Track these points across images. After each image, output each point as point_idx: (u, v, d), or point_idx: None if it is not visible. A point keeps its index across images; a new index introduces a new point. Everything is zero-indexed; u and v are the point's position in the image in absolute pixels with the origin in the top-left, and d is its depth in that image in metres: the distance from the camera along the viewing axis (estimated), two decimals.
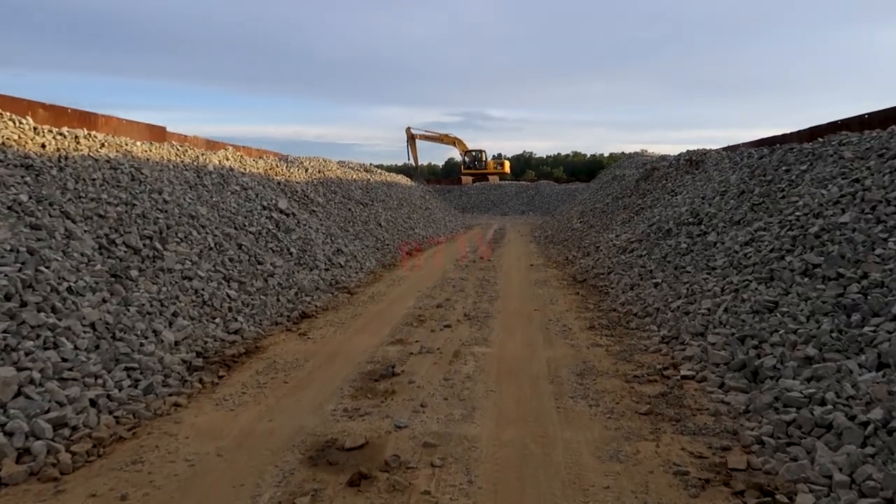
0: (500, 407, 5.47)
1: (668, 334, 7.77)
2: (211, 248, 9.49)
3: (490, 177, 52.23)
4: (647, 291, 9.82)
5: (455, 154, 57.85)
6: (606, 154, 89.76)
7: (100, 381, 5.39)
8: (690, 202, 13.19)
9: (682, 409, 5.33)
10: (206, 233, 9.87)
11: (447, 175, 65.99)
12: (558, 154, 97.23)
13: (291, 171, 19.00)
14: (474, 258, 17.30)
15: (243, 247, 10.29)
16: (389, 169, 52.44)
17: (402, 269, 15.03)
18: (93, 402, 5.08)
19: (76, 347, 5.60)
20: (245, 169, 15.87)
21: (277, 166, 18.12)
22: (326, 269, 12.51)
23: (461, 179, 51.54)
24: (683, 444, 4.60)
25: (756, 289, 7.63)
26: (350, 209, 19.14)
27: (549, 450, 4.55)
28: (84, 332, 5.89)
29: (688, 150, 18.69)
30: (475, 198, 46.16)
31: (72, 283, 6.38)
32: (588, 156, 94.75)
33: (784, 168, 10.98)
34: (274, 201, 13.79)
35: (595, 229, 18.96)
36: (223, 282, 8.86)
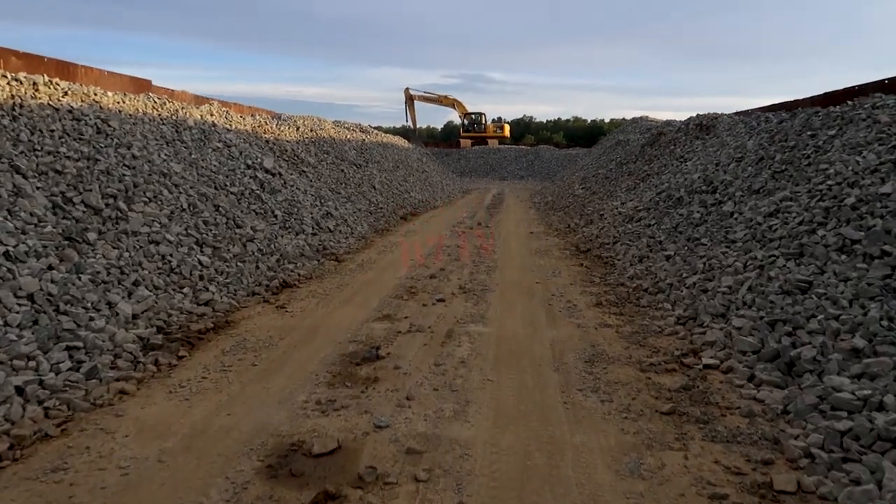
0: (499, 401, 4.70)
1: (683, 314, 6.99)
2: (183, 210, 8.62)
3: (489, 140, 51.00)
4: (659, 265, 9.02)
5: (454, 117, 56.58)
6: (607, 120, 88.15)
7: (32, 363, 4.59)
8: (703, 169, 12.31)
9: (709, 408, 4.56)
10: (180, 192, 9.00)
11: (446, 138, 64.66)
12: (558, 119, 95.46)
13: (282, 129, 18.00)
14: (472, 224, 16.45)
15: (221, 208, 9.41)
16: (388, 131, 51.21)
17: (395, 235, 14.19)
18: (19, 390, 4.28)
19: (6, 323, 4.79)
20: (231, 125, 14.90)
21: (267, 124, 17.12)
22: (314, 234, 11.67)
23: (460, 143, 50.31)
24: (716, 456, 3.83)
25: (784, 266, 6.83)
26: (343, 170, 18.21)
27: (557, 460, 3.78)
28: (19, 304, 5.07)
29: (697, 115, 17.72)
30: (474, 162, 45.05)
31: (10, 248, 5.53)
32: (588, 121, 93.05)
33: (809, 133, 10.08)
34: (259, 160, 12.86)
35: (598, 196, 18.08)
36: (195, 247, 8.02)
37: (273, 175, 12.74)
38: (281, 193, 12.14)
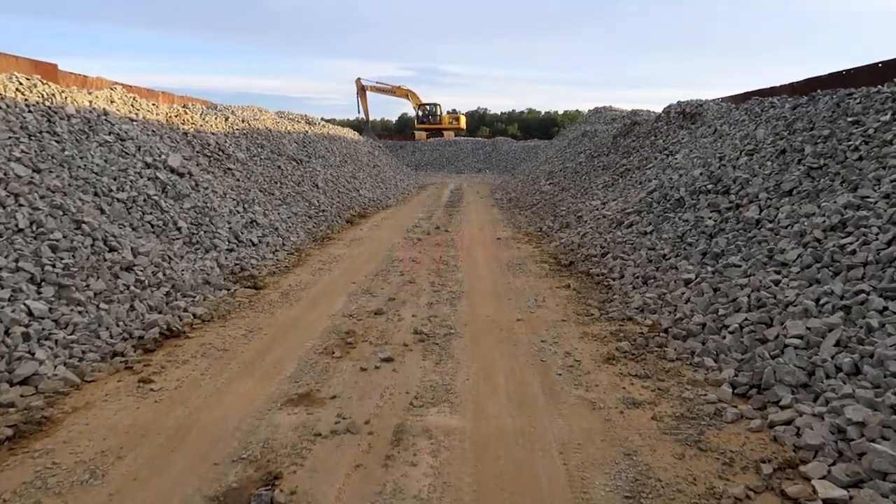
0: None
1: (740, 380, 4.70)
2: (19, 231, 5.95)
3: (445, 132, 48.41)
4: (676, 292, 6.74)
5: (409, 109, 53.73)
6: (561, 112, 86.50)
7: None
8: (704, 164, 10.12)
9: None
10: (22, 204, 6.31)
11: (401, 131, 61.89)
12: (513, 111, 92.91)
13: (206, 119, 15.19)
14: (429, 228, 13.99)
15: (85, 225, 6.73)
16: (342, 124, 48.41)
17: (338, 245, 11.63)
18: None
19: None
20: (137, 115, 12.10)
21: (186, 114, 14.29)
22: (229, 251, 9.05)
23: (414, 135, 47.62)
24: None
25: (885, 309, 4.62)
26: (280, 167, 15.51)
27: None
28: None
29: (679, 102, 15.62)
30: (429, 154, 42.47)
31: None
32: (542, 113, 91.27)
33: (850, 119, 7.95)
34: (164, 157, 10.14)
35: (570, 193, 15.83)
36: (25, 287, 5.38)
37: (181, 175, 10.04)
38: (189, 199, 9.47)
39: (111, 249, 6.73)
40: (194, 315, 6.46)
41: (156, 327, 5.86)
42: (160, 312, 6.35)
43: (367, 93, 46.00)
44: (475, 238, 12.73)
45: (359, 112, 46.15)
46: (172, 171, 9.95)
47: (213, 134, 14.51)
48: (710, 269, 6.85)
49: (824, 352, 4.55)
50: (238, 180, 12.77)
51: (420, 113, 48.96)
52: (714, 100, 14.90)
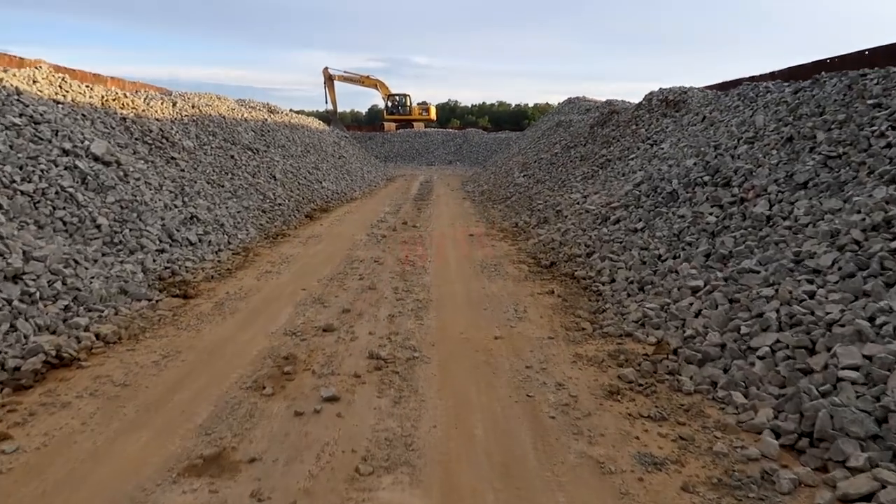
0: None
1: (787, 426, 3.61)
2: None
3: (415, 123, 47.01)
4: (682, 302, 5.64)
5: (379, 101, 52.19)
6: (531, 104, 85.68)
7: None
8: (697, 153, 9.07)
9: None
10: None
11: (371, 122, 60.30)
12: (483, 103, 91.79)
13: (151, 104, 13.70)
14: (395, 224, 12.75)
15: None
16: (311, 115, 46.69)
17: (292, 243, 10.34)
18: None
19: None
20: (65, 97, 10.64)
21: (126, 97, 12.80)
22: (160, 251, 7.71)
23: (384, 126, 46.14)
24: None
25: None
26: (233, 156, 14.11)
27: None
28: None
29: (661, 89, 14.59)
30: (399, 146, 41.06)
31: None
32: (513, 105, 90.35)
33: (870, 102, 6.94)
34: (87, 143, 8.73)
35: (547, 186, 14.72)
36: None
37: (106, 164, 8.65)
38: (114, 191, 8.09)
39: None
40: (97, 336, 5.15)
41: (39, 354, 4.56)
42: (53, 333, 5.03)
43: (335, 83, 44.34)
44: (445, 234, 11.54)
45: (326, 102, 44.50)
46: (96, 159, 8.55)
47: (157, 120, 13.04)
48: (719, 274, 5.77)
49: (893, 389, 3.48)
50: (183, 170, 11.37)
51: (389, 104, 47.46)
52: (699, 87, 13.93)
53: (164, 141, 12.05)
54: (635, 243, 7.75)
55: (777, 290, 4.85)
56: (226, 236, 9.48)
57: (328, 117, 41.75)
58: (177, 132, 13.07)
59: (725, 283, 5.50)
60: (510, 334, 5.52)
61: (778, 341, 4.39)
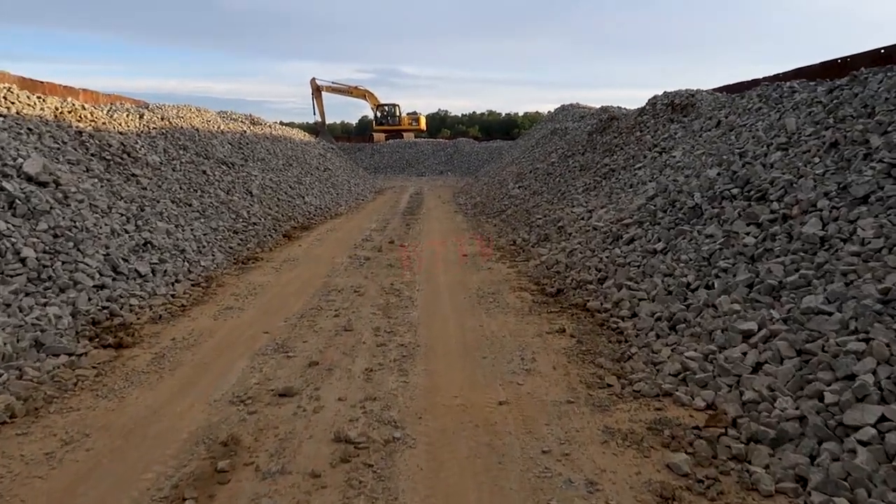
0: None
1: None
2: None
3: (405, 133, 45.88)
4: (732, 350, 4.45)
5: (369, 112, 50.86)
6: (521, 113, 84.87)
7: None
8: (720, 162, 7.94)
9: None
10: None
11: (361, 133, 59.11)
12: (473, 113, 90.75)
13: (114, 116, 12.50)
14: (380, 243, 11.55)
15: None
16: (302, 127, 45.47)
17: (263, 269, 9.11)
18: None
19: None
20: (10, 109, 9.43)
21: (84, 109, 11.58)
22: (98, 288, 6.47)
23: (373, 137, 44.97)
24: None
25: None
26: (205, 172, 12.89)
27: None
28: None
29: (665, 92, 13.50)
30: (388, 157, 39.86)
31: None
32: (503, 115, 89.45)
33: None
34: (20, 161, 7.51)
35: (545, 198, 13.57)
36: None
37: (42, 185, 7.42)
38: (49, 217, 6.86)
39: None
40: None
41: None
42: None
43: (323, 93, 43.23)
44: (436, 254, 10.35)
45: (314, 114, 43.36)
46: (29, 179, 7.32)
47: (119, 133, 11.84)
48: (775, 314, 4.60)
49: None
50: (145, 189, 10.15)
51: (378, 114, 46.35)
52: (708, 90, 12.85)
53: (124, 156, 10.82)
54: (657, 268, 6.59)
55: (869, 344, 3.68)
56: (186, 264, 8.25)
57: (317, 129, 40.58)
58: (141, 146, 11.87)
59: (787, 328, 4.33)
60: (518, 397, 4.33)
61: (884, 418, 3.22)
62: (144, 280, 7.19)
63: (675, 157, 10.00)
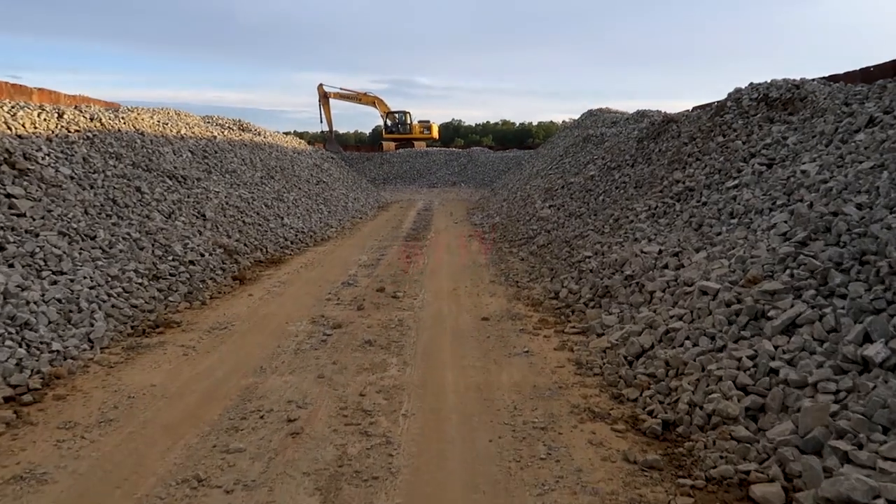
0: None
1: None
2: None
3: (416, 142, 42.54)
4: None
5: (380, 120, 47.66)
6: (535, 122, 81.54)
7: None
8: None
9: None
10: None
11: (373, 142, 55.82)
12: (487, 122, 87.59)
13: (16, 115, 9.19)
14: (365, 291, 8.06)
15: None
16: (315, 136, 41.99)
17: (165, 350, 5.65)
18: None
19: None
20: None
21: None
22: None
23: (382, 145, 41.62)
24: None
25: None
26: (140, 189, 9.51)
27: None
28: None
29: (752, 84, 9.93)
30: (398, 166, 36.43)
31: None
32: (517, 124, 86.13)
33: None
34: None
35: (590, 225, 10.02)
36: None
37: None
38: None
39: None
40: None
41: None
42: None
43: (332, 101, 40.04)
44: (443, 314, 6.86)
45: (321, 122, 40.15)
46: None
47: (17, 138, 8.53)
48: None
49: None
50: (17, 216, 6.78)
51: (388, 122, 43.05)
52: (818, 79, 9.30)
53: (3, 168, 7.47)
54: (882, 396, 3.06)
55: None
56: (24, 349, 4.81)
57: (325, 137, 37.35)
58: (44, 155, 8.52)
59: None
60: None
61: None
62: None
63: (804, 171, 6.46)
